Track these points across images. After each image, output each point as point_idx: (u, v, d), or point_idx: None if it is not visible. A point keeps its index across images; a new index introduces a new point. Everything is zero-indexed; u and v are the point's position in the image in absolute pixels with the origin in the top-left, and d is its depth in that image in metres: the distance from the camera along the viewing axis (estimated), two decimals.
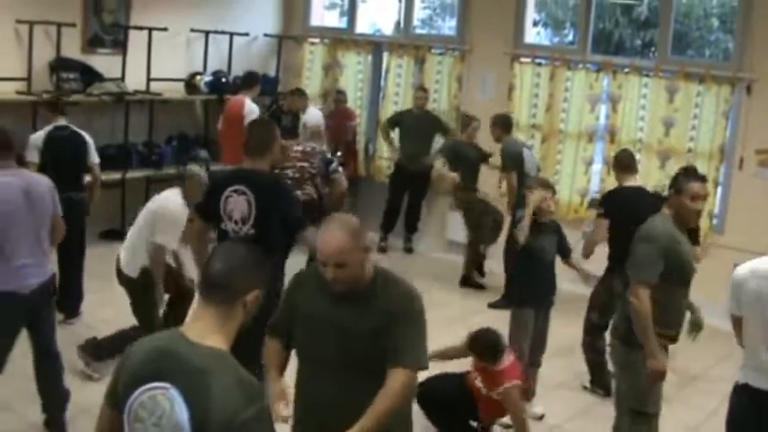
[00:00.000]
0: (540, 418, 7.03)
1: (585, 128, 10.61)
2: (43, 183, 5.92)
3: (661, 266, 5.37)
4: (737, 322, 5.08)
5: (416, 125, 11.09)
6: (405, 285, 4.01)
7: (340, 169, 9.06)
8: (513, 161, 9.64)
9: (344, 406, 3.85)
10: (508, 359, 6.29)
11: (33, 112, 10.06)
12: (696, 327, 5.99)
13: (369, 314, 3.85)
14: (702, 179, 5.53)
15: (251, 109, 10.79)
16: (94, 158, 8.54)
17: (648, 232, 5.47)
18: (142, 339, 3.07)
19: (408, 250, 11.81)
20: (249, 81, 11.31)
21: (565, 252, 7.09)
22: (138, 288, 6.93)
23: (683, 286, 5.62)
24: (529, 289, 6.93)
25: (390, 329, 3.82)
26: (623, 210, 7.19)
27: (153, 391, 2.85)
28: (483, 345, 6.32)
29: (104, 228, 10.88)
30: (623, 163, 7.68)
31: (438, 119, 11.46)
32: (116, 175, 10.86)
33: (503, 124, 9.91)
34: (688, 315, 5.88)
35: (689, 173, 5.56)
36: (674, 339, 5.62)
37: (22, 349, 6.73)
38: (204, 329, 2.93)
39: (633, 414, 5.57)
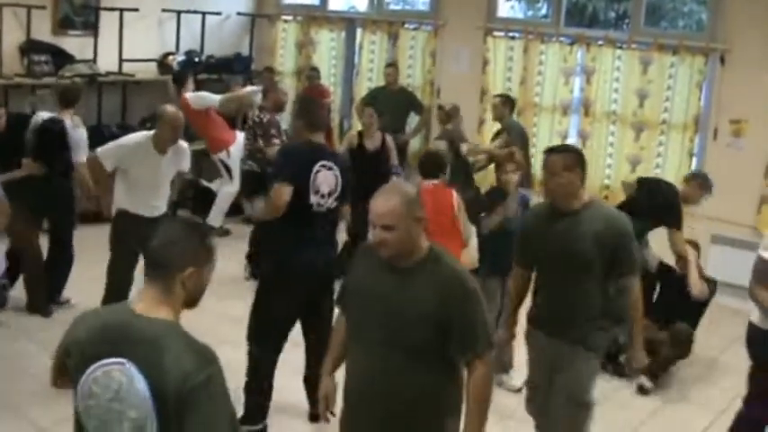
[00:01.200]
0: (519, 390, 7.04)
1: (560, 101, 10.61)
2: None
3: (523, 251, 5.42)
4: None
5: (391, 102, 11.05)
6: (455, 265, 3.97)
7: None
8: (521, 139, 9.58)
9: (392, 384, 3.89)
10: None
11: (4, 95, 9.99)
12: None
13: (420, 291, 3.82)
14: (551, 151, 5.19)
15: (195, 97, 10.54)
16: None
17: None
18: (86, 314, 3.11)
19: None
20: (178, 80, 11.04)
21: None
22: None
23: (544, 273, 5.33)
24: (495, 259, 6.94)
25: (451, 317, 3.80)
26: None
27: (107, 366, 2.87)
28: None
29: (79, 210, 10.79)
30: None
31: (412, 96, 11.44)
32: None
33: (510, 103, 9.95)
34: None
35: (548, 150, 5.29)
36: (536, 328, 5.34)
37: (28, 349, 6.78)
38: (150, 303, 2.97)
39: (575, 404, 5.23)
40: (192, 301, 3.06)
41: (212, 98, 10.56)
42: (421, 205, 3.92)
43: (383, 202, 3.83)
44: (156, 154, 6.91)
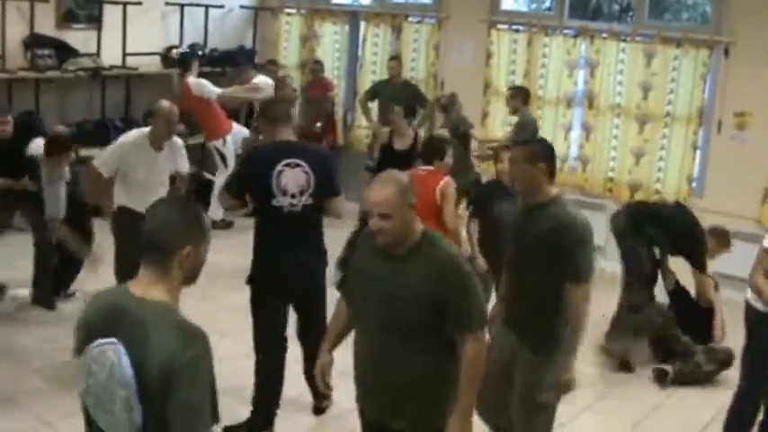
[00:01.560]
0: None
1: (564, 94, 10.59)
2: None
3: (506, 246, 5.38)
4: None
5: (395, 96, 11.01)
6: (449, 248, 4.09)
7: None
8: (527, 134, 9.47)
9: (391, 365, 4.04)
10: None
11: (8, 90, 10.00)
12: None
13: (415, 275, 3.94)
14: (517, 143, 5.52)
15: (197, 84, 10.78)
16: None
17: None
18: (96, 295, 3.16)
19: None
20: (183, 64, 11.22)
21: None
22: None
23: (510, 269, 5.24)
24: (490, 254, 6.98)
25: (446, 297, 3.91)
26: None
27: (103, 346, 2.92)
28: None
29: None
30: None
31: (416, 89, 11.41)
32: (94, 151, 10.77)
33: (524, 95, 9.94)
34: None
35: None
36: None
37: (32, 343, 6.79)
38: (147, 285, 3.01)
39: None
40: (189, 280, 3.10)
41: (212, 89, 10.64)
42: (414, 191, 4.04)
43: (379, 192, 3.96)
44: (151, 151, 6.95)
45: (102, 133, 10.85)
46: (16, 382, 6.35)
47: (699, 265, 7.50)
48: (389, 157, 8.91)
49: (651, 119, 9.93)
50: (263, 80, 10.99)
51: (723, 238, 7.72)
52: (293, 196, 5.71)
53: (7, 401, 6.19)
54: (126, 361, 2.86)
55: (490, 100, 11.07)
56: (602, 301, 8.68)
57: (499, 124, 11.03)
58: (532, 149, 5.00)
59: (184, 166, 7.38)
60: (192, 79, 10.80)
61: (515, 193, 7.04)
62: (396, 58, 11.51)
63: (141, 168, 6.90)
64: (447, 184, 6.89)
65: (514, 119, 10.21)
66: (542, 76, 10.66)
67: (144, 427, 2.89)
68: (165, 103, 7.06)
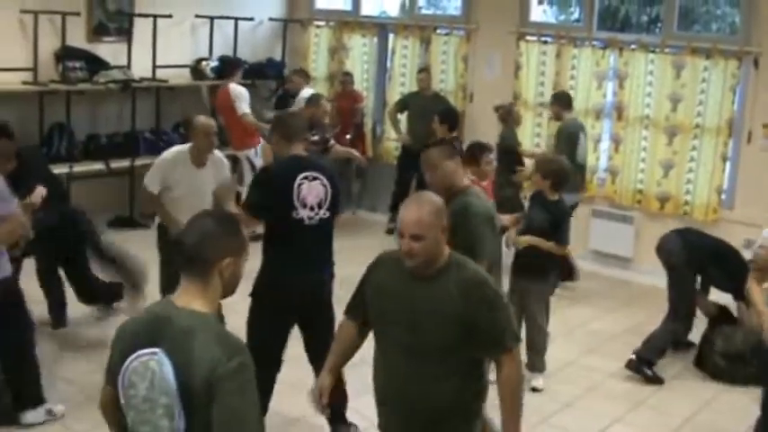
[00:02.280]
0: (535, 389, 7.09)
1: (593, 105, 10.57)
2: None
3: None
4: None
5: (424, 107, 11.02)
6: (476, 269, 4.03)
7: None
8: (568, 142, 9.48)
9: (417, 390, 3.93)
10: None
11: (40, 102, 10.09)
12: None
13: (443, 297, 3.86)
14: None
15: (237, 92, 10.81)
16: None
17: None
18: (134, 318, 3.24)
19: None
20: (228, 69, 11.32)
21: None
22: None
23: None
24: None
25: (476, 319, 3.85)
26: None
27: (143, 357, 2.98)
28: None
29: (113, 215, 10.92)
30: None
31: (445, 101, 11.39)
32: (124, 163, 10.88)
33: (562, 101, 9.84)
34: None
35: None
36: None
37: (63, 354, 6.82)
38: (188, 297, 3.08)
39: None
40: (229, 291, 3.17)
41: (243, 106, 10.65)
42: (446, 214, 3.99)
43: (414, 212, 3.89)
44: (193, 167, 6.95)
45: (131, 145, 10.97)
46: (47, 393, 6.32)
47: (742, 296, 7.39)
48: None
49: (680, 130, 9.90)
50: (234, 91, 10.89)
51: None
52: (312, 209, 5.73)
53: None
54: (168, 369, 2.92)
55: (519, 111, 11.05)
56: (631, 313, 8.72)
57: (528, 136, 11.01)
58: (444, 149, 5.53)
59: (226, 176, 7.31)
60: (233, 86, 10.84)
61: (549, 204, 7.09)
62: (425, 70, 11.51)
63: (183, 184, 6.91)
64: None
65: (543, 130, 10.19)
66: (571, 88, 10.62)
67: None
68: (201, 118, 7.08)
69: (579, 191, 9.53)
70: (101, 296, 7.94)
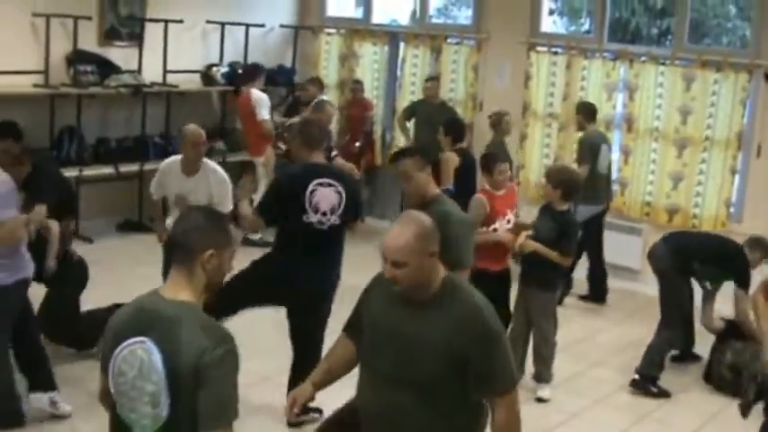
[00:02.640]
0: (540, 400, 7.10)
1: (603, 116, 10.53)
2: None
3: None
4: None
5: (430, 116, 11.01)
6: (471, 296, 3.74)
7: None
8: (589, 153, 9.52)
9: (401, 422, 3.70)
10: None
11: (51, 105, 10.12)
12: None
13: (434, 326, 3.61)
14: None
15: (258, 97, 10.89)
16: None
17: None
18: (123, 306, 3.34)
19: None
20: (251, 74, 11.36)
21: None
22: None
23: None
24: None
25: (468, 354, 3.58)
26: None
27: (132, 346, 3.10)
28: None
29: (121, 219, 10.94)
30: None
31: (452, 110, 11.33)
32: (133, 167, 10.89)
33: (586, 112, 9.82)
34: None
35: None
36: None
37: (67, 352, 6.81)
38: (175, 287, 3.19)
39: None
40: (212, 284, 3.25)
41: (263, 112, 10.72)
42: (436, 238, 3.71)
43: (395, 237, 3.63)
44: (183, 176, 7.04)
45: (141, 149, 10.98)
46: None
47: (745, 284, 7.43)
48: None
49: (690, 143, 9.88)
50: (255, 96, 10.95)
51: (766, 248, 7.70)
52: (324, 214, 5.92)
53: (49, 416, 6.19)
54: (157, 357, 3.04)
55: (529, 122, 11.06)
56: (638, 324, 8.72)
57: (537, 147, 11.03)
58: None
59: (222, 197, 7.06)
60: (255, 92, 10.90)
61: (556, 214, 7.08)
62: (433, 78, 11.51)
63: (173, 193, 7.07)
64: (473, 200, 7.07)
65: (552, 141, 10.20)
66: (581, 99, 10.62)
67: (174, 420, 3.05)
68: (190, 128, 7.13)
69: (603, 201, 9.66)
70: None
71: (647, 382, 7.44)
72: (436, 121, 10.21)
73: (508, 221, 7.12)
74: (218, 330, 3.13)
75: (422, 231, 3.64)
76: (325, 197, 5.92)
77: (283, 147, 10.34)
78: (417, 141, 11.36)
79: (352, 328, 4.05)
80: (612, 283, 9.93)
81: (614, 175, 10.60)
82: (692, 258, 7.60)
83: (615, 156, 10.59)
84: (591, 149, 9.54)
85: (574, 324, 8.72)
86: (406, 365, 3.64)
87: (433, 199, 5.59)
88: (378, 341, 3.77)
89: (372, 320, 3.83)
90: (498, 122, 10.14)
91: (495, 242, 7.00)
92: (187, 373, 3.00)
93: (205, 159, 7.17)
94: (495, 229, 7.00)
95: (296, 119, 9.46)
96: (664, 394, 7.43)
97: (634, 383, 7.48)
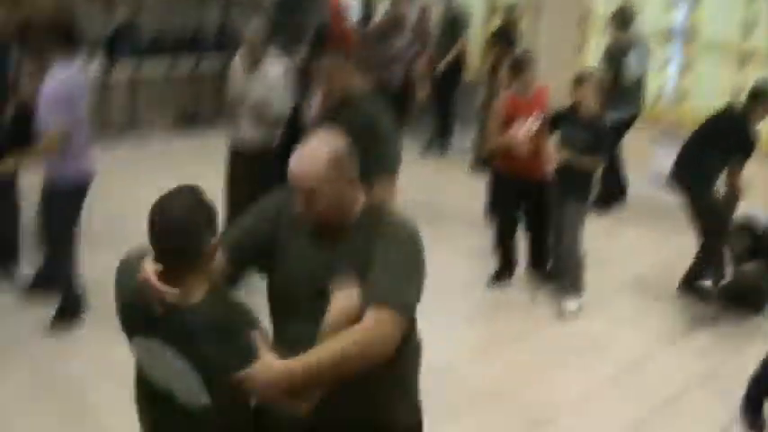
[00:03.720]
0: (568, 312, 7.08)
1: (663, 27, 10.38)
2: None
3: None
4: None
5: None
6: (397, 222, 3.20)
7: None
8: (608, 63, 9.32)
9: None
10: None
11: None
12: None
13: (347, 255, 3.10)
14: None
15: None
16: None
17: None
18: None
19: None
20: None
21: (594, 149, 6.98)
22: None
23: None
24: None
25: (370, 267, 3.04)
26: None
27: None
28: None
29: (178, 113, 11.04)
30: None
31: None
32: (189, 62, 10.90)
33: (615, 19, 9.52)
34: None
35: None
36: None
37: None
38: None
39: None
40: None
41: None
42: (353, 161, 3.17)
43: (303, 162, 3.09)
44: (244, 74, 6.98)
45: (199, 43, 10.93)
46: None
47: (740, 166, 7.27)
48: None
49: (752, 57, 9.74)
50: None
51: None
52: None
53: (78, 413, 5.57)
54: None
55: (586, 29, 10.94)
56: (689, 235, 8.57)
57: (593, 52, 10.89)
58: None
59: (279, 108, 6.98)
60: None
61: (585, 122, 6.95)
62: None
63: (235, 92, 7.04)
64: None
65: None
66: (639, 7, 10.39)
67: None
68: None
69: (632, 108, 9.31)
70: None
71: (692, 285, 7.48)
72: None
73: (532, 126, 6.93)
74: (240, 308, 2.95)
75: (335, 153, 3.10)
76: None
77: None
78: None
79: (231, 242, 3.26)
80: (666, 196, 9.84)
81: (671, 88, 10.44)
82: (698, 153, 7.46)
83: (674, 68, 10.43)
84: (612, 60, 9.27)
85: (626, 235, 8.79)
86: (317, 298, 3.07)
87: (355, 96, 5.29)
88: (287, 274, 3.25)
89: (279, 252, 3.27)
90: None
91: (507, 146, 6.93)
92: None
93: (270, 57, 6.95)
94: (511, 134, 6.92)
95: None
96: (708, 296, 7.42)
97: (681, 287, 7.48)
